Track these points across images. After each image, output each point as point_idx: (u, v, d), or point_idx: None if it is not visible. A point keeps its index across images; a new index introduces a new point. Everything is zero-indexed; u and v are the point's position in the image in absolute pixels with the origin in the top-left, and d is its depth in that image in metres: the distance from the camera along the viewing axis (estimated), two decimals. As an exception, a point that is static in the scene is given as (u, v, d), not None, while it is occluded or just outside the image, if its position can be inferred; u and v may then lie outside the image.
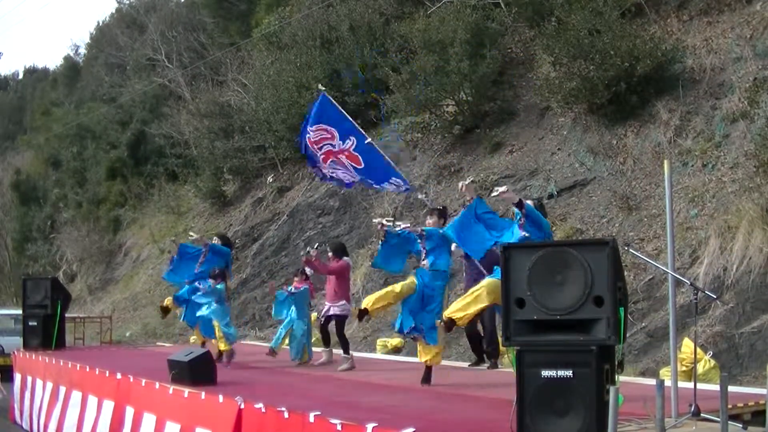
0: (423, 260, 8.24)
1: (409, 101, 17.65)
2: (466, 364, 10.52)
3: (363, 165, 8.64)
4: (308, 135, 8.98)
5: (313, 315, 13.04)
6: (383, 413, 6.35)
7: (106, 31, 40.46)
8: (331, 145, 8.74)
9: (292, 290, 11.06)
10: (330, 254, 10.75)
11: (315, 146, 8.94)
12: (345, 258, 10.72)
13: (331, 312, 10.50)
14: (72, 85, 41.52)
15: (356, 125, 8.87)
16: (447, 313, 7.39)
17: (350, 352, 10.48)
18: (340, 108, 8.95)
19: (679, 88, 14.15)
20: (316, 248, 10.88)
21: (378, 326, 15.34)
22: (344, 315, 10.62)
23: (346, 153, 8.64)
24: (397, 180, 8.56)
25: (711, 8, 15.01)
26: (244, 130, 23.76)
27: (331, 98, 9.08)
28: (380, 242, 8.59)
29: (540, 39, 16.47)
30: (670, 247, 6.52)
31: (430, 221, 8.44)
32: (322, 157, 8.98)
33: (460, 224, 7.41)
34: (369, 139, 8.52)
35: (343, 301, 10.54)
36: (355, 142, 8.49)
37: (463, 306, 7.29)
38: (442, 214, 8.61)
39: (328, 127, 8.70)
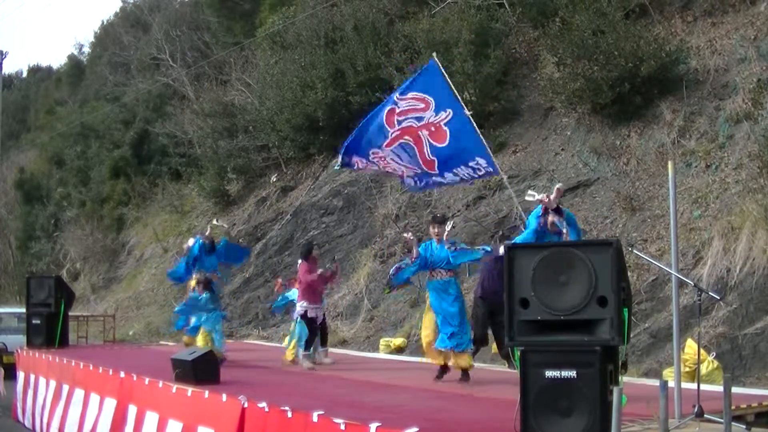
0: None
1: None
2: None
3: (447, 142, 8.18)
4: (392, 106, 8.38)
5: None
6: (386, 413, 6.36)
7: (110, 30, 40.46)
8: (417, 119, 8.26)
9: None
10: (300, 260, 10.86)
11: (392, 121, 8.34)
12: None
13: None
14: (76, 84, 41.54)
15: (457, 96, 8.41)
16: None
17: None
18: (446, 76, 8.41)
19: (682, 89, 14.14)
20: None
21: (381, 326, 15.33)
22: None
23: (434, 126, 8.20)
24: (481, 161, 8.18)
25: (715, 9, 14.99)
26: (248, 129, 23.75)
27: (441, 66, 8.46)
28: None
29: (544, 39, 16.46)
30: (674, 248, 6.52)
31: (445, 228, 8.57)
32: (393, 136, 8.39)
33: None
34: (468, 112, 8.17)
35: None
36: (450, 115, 8.09)
37: None
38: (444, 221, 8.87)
39: (427, 96, 8.27)
